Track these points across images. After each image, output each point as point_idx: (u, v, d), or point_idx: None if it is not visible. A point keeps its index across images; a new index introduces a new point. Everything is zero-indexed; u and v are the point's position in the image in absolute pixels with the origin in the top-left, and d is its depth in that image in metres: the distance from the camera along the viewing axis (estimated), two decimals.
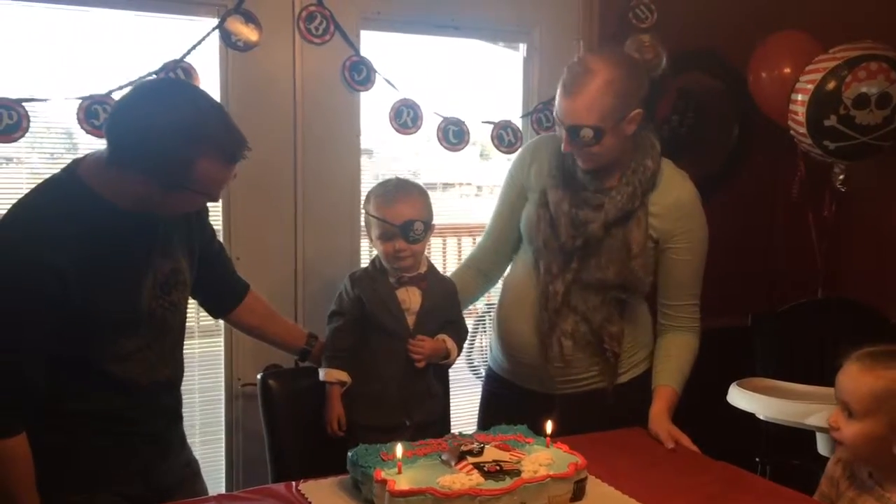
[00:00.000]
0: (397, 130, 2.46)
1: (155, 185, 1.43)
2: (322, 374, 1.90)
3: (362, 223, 2.44)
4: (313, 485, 1.54)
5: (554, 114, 1.86)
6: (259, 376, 2.00)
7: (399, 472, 1.39)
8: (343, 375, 1.88)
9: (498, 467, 1.39)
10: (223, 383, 2.37)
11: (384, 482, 1.35)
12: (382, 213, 1.86)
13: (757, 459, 2.50)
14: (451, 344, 1.93)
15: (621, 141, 1.82)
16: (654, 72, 1.90)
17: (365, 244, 2.45)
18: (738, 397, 2.15)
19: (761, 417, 2.33)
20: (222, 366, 2.37)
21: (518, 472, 1.39)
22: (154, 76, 2.10)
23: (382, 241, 1.87)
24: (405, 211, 1.85)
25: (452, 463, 1.44)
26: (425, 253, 1.95)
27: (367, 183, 2.46)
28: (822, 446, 2.14)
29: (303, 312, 2.39)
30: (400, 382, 1.87)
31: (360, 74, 2.40)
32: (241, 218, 2.29)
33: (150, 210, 1.50)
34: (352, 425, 1.88)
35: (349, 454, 1.50)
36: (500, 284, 2.18)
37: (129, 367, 1.53)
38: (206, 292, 1.77)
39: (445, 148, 2.52)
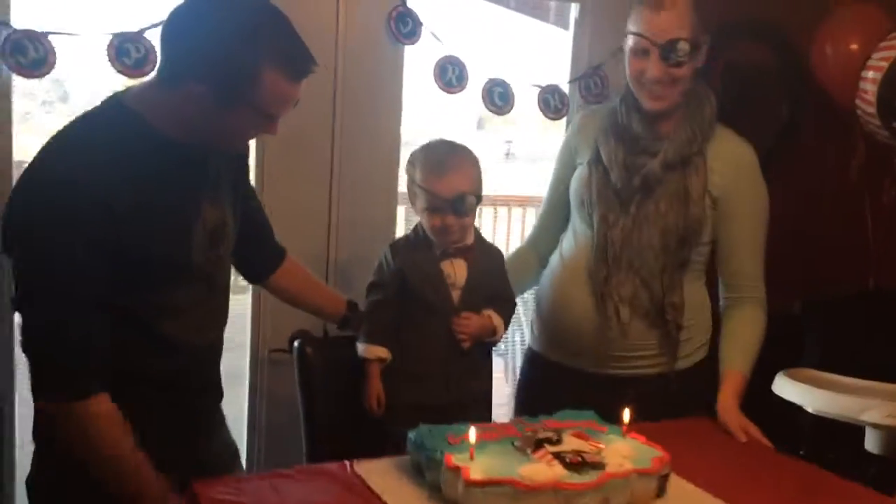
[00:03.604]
0: (442, 89, 2.32)
1: (211, 100, 1.28)
2: (361, 349, 1.78)
3: (400, 188, 2.34)
4: (369, 466, 1.43)
5: (631, 42, 1.76)
6: (296, 343, 1.89)
7: (472, 459, 1.28)
8: (383, 352, 1.77)
9: (580, 459, 1.29)
10: (248, 348, 2.27)
11: (457, 469, 1.25)
12: (431, 185, 1.72)
13: (802, 453, 2.41)
14: (497, 320, 1.82)
15: (693, 73, 1.77)
16: None
17: (401, 210, 2.33)
18: (787, 388, 2.06)
19: (810, 410, 2.24)
20: (247, 329, 2.27)
21: (602, 465, 1.29)
22: None
23: (429, 214, 1.74)
24: (457, 183, 1.72)
25: (529, 451, 1.33)
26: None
27: (407, 144, 2.34)
28: (871, 443, 2.06)
29: (334, 279, 2.28)
30: (443, 361, 1.77)
31: (406, 26, 2.25)
32: (274, 176, 2.17)
33: (202, 137, 1.36)
34: (391, 403, 1.77)
35: (410, 435, 1.39)
36: None
37: (181, 324, 1.41)
38: (243, 254, 1.63)
39: (490, 110, 2.40)
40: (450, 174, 1.72)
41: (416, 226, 1.83)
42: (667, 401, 1.77)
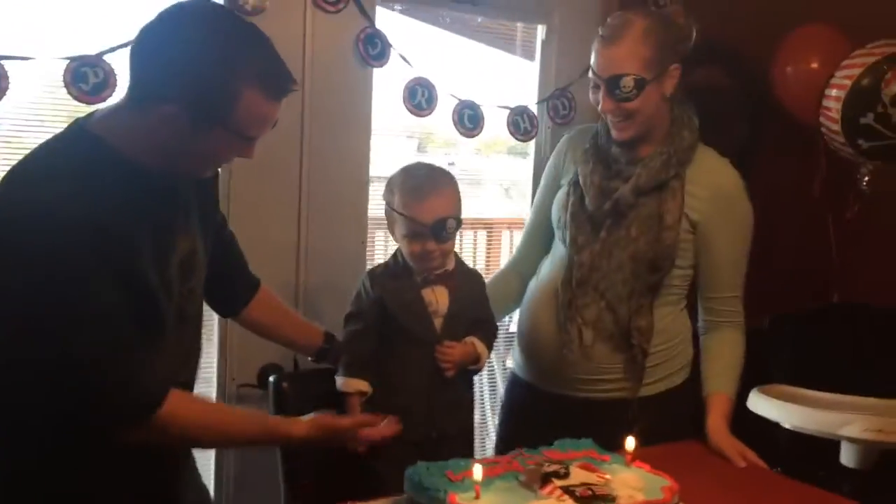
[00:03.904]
0: (411, 111, 2.28)
1: (185, 121, 1.20)
2: (340, 382, 1.71)
3: (370, 211, 2.29)
4: None
5: (590, 74, 1.75)
6: (271, 379, 1.81)
7: (477, 497, 1.22)
8: (363, 385, 1.70)
9: (590, 492, 1.25)
10: (215, 382, 2.17)
11: None
12: (411, 211, 1.67)
13: (778, 469, 2.41)
14: (481, 347, 1.77)
15: (660, 100, 1.74)
16: (686, 43, 1.78)
17: (378, 236, 2.28)
18: (762, 404, 2.05)
19: (787, 426, 2.24)
20: (214, 363, 2.17)
21: (612, 498, 1.25)
22: None
23: (409, 241, 1.69)
24: (437, 208, 1.67)
25: (536, 486, 1.28)
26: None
27: (377, 167, 2.29)
28: (847, 457, 2.07)
29: (303, 308, 2.20)
30: (426, 392, 1.71)
31: (374, 48, 2.20)
32: (240, 202, 2.08)
33: (175, 163, 1.28)
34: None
35: (408, 473, 1.32)
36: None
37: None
38: (216, 286, 1.54)
39: (461, 133, 2.36)
40: (429, 199, 1.67)
41: (395, 252, 1.78)
42: (628, 427, 1.68)
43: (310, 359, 1.81)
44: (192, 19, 1.24)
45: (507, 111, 2.44)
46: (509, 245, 4.36)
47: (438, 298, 1.73)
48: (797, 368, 2.49)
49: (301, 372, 1.93)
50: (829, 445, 2.14)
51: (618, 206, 1.74)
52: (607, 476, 1.32)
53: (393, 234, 1.75)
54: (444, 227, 1.67)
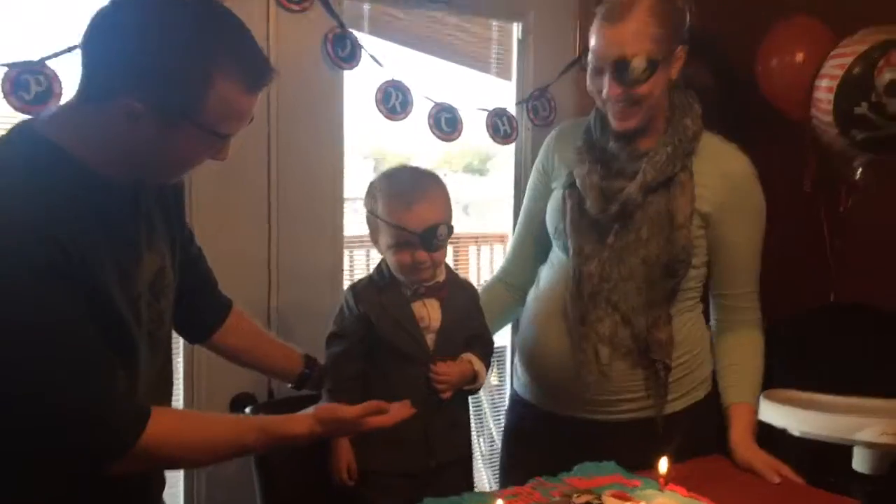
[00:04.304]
0: (385, 116, 2.13)
1: (148, 117, 1.05)
2: None
3: (346, 223, 2.13)
4: None
5: (588, 59, 1.59)
6: (247, 410, 1.64)
7: None
8: None
9: None
10: None
11: None
12: (397, 218, 1.52)
13: None
14: (478, 364, 1.62)
15: (665, 86, 1.59)
16: (686, 25, 1.63)
17: (361, 252, 2.12)
18: (770, 411, 1.94)
19: (796, 433, 2.13)
20: (181, 394, 1.99)
21: None
22: None
23: (396, 251, 1.54)
24: (427, 214, 1.52)
25: None
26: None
27: (351, 176, 2.14)
28: (860, 463, 1.96)
29: (276, 329, 2.02)
30: (421, 417, 1.54)
31: (344, 49, 2.06)
32: (204, 215, 1.91)
33: (137, 167, 1.12)
34: (364, 472, 1.54)
35: None
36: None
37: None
38: (184, 309, 1.37)
39: (438, 137, 2.22)
40: (418, 205, 1.52)
41: (380, 264, 1.63)
42: (655, 448, 1.54)
43: (289, 385, 1.65)
44: (151, 0, 1.08)
45: (486, 114, 2.31)
46: (476, 261, 4.29)
47: (430, 313, 1.58)
48: (797, 373, 2.38)
49: (277, 401, 1.76)
50: (836, 450, 2.04)
51: (626, 208, 1.59)
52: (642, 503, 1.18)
53: (377, 244, 1.60)
54: (435, 234, 1.52)
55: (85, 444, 1.08)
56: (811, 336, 2.47)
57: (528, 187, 1.85)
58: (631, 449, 1.52)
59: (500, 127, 2.33)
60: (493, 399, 2.74)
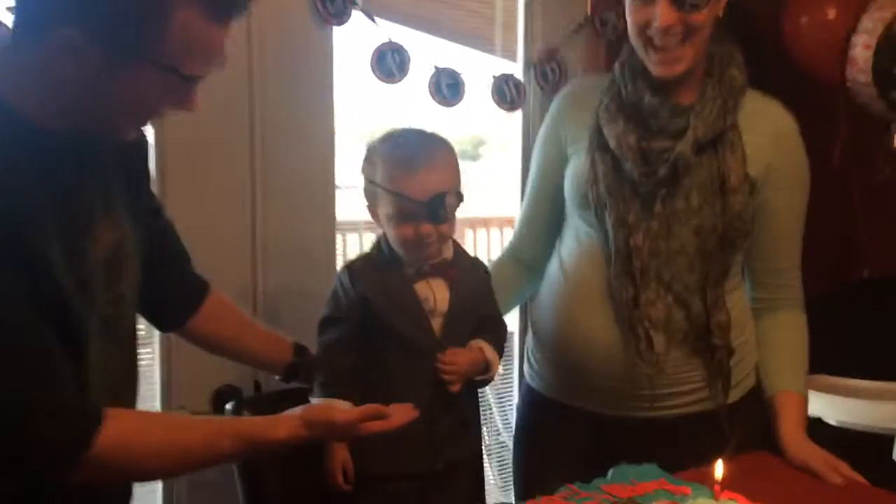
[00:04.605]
0: (380, 79, 1.93)
1: (94, 52, 0.86)
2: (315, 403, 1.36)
3: (338, 194, 1.94)
4: None
5: None
6: (228, 406, 1.45)
7: None
8: (344, 406, 1.36)
9: None
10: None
11: None
12: (400, 186, 1.32)
13: None
14: (490, 353, 1.43)
15: (713, 25, 1.39)
16: None
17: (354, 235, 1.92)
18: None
19: (832, 423, 1.96)
20: (157, 387, 1.79)
21: None
22: None
23: (398, 224, 1.34)
24: (433, 181, 1.32)
25: None
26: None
27: (343, 144, 1.94)
28: None
29: (263, 315, 1.83)
30: (427, 413, 1.35)
31: (333, 4, 1.85)
32: (178, 189, 1.71)
33: (82, 116, 0.93)
34: (361, 474, 1.36)
35: None
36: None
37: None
38: (152, 291, 1.17)
39: (439, 103, 2.02)
40: (423, 170, 1.32)
41: (378, 240, 1.43)
42: (719, 444, 1.38)
43: (277, 378, 1.46)
44: None
45: (492, 79, 2.11)
46: (472, 243, 4.11)
47: (436, 294, 1.39)
48: (828, 355, 2.21)
49: (265, 395, 1.58)
50: (873, 441, 1.88)
51: (676, 170, 1.38)
52: None
53: (375, 216, 1.41)
54: (443, 203, 1.33)
55: (26, 452, 0.90)
56: (843, 315, 2.29)
57: (534, 160, 1.65)
58: (679, 449, 1.34)
59: (506, 93, 2.13)
60: (497, 389, 2.55)
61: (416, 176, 1.32)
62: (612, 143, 1.43)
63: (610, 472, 1.15)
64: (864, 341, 2.23)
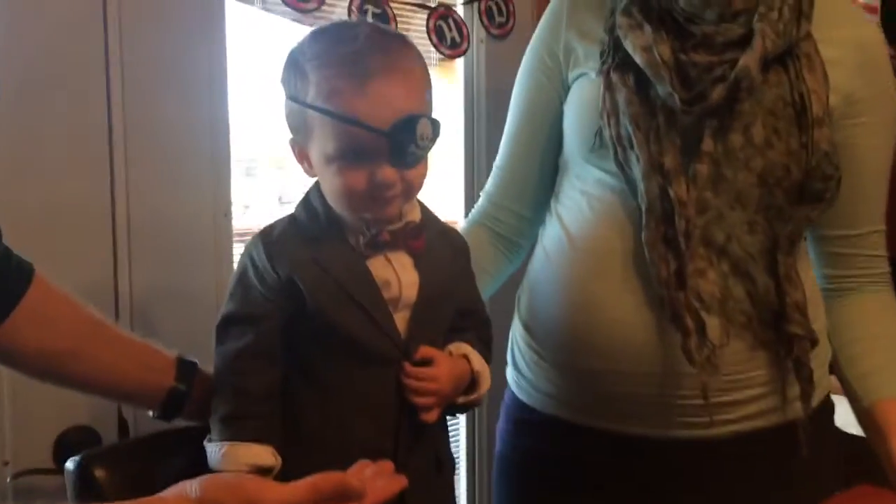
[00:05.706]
0: (293, 6, 1.46)
1: None
2: (215, 454, 0.87)
3: (233, 155, 1.44)
4: None
5: None
6: (70, 465, 0.93)
7: None
8: (263, 453, 0.87)
9: None
10: None
11: None
12: (347, 106, 0.85)
13: None
14: (478, 362, 0.98)
15: None
16: None
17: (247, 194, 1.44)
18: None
19: None
20: None
21: None
22: None
23: (342, 168, 0.87)
24: (396, 98, 0.85)
25: None
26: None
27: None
28: None
29: (128, 321, 1.31)
30: (388, 452, 0.89)
31: None
32: (7, 156, 1.18)
33: None
34: None
35: None
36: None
37: None
38: None
39: None
40: (380, 81, 0.85)
41: (307, 197, 0.95)
42: (797, 473, 1.01)
43: (152, 414, 0.96)
44: None
45: (426, 14, 1.67)
46: None
47: (400, 276, 0.92)
48: None
49: (131, 442, 1.06)
50: None
51: (734, 93, 0.97)
52: None
53: (305, 159, 0.92)
54: (414, 134, 0.86)
55: None
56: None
57: (515, 96, 1.22)
58: (739, 483, 0.97)
59: (445, 33, 1.70)
60: None
61: (371, 90, 0.84)
62: (639, 58, 1.01)
63: None
64: None
